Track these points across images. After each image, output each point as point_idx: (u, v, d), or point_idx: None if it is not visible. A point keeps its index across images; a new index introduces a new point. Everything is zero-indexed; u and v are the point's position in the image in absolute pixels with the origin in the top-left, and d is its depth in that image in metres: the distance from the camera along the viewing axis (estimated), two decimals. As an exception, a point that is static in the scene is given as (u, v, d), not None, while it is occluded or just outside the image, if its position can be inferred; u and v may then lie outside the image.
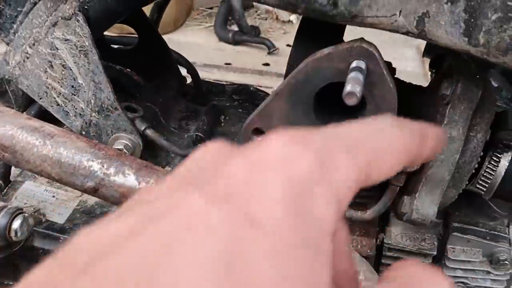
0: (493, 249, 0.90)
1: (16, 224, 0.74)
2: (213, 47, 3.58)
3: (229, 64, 3.39)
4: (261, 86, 3.53)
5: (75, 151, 0.74)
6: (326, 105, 0.70)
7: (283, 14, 3.94)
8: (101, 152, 0.74)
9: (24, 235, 0.76)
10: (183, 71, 1.22)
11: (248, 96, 1.23)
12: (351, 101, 0.54)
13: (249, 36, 3.58)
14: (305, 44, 0.73)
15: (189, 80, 1.26)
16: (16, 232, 0.74)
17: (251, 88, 1.25)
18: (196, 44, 3.57)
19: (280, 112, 0.68)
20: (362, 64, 0.61)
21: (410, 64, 3.17)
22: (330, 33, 0.72)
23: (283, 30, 3.85)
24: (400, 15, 0.56)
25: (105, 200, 0.76)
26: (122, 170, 0.73)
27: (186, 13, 3.90)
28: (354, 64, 0.61)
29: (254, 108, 1.20)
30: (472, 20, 0.53)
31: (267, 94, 1.27)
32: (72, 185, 0.74)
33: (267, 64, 3.39)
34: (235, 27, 3.69)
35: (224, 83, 1.28)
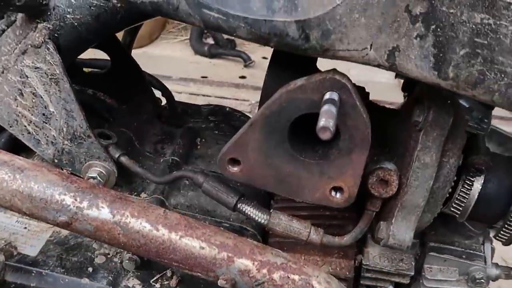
0: (469, 267, 0.91)
1: (-14, 261, 0.72)
2: (189, 61, 3.57)
3: (205, 77, 3.39)
4: (237, 99, 3.52)
5: (47, 184, 0.72)
6: (301, 133, 0.70)
7: (258, 26, 3.94)
8: (74, 185, 0.73)
9: (-5, 272, 0.74)
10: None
11: (224, 117, 1.22)
12: (325, 136, 0.55)
13: (225, 49, 3.58)
14: (279, 73, 0.73)
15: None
16: (-14, 270, 0.72)
17: (227, 109, 1.25)
18: (172, 58, 3.55)
19: (255, 142, 0.68)
20: (335, 96, 0.61)
21: (385, 75, 3.21)
22: (304, 61, 0.72)
23: (259, 42, 3.84)
24: (371, 48, 0.57)
25: (79, 234, 0.75)
26: (95, 203, 0.72)
27: (161, 26, 3.88)
28: (327, 96, 0.61)
29: (231, 129, 1.21)
30: (441, 54, 0.54)
31: (243, 115, 1.27)
32: (44, 220, 0.73)
33: (243, 77, 3.39)
34: (210, 40, 3.70)
35: (200, 104, 1.26)
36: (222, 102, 3.16)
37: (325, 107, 0.58)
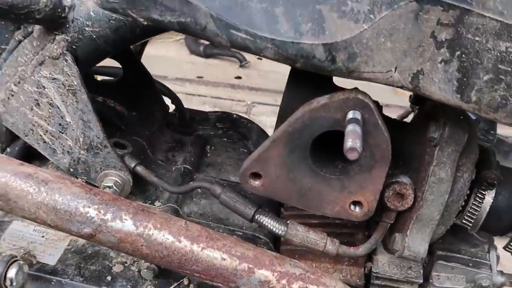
0: (476, 275, 0.94)
1: (11, 272, 0.73)
2: (184, 60, 3.57)
3: (201, 77, 3.40)
4: (233, 100, 3.52)
5: (71, 197, 0.73)
6: (321, 148, 0.72)
7: (253, 26, 3.96)
8: (97, 198, 0.74)
9: (19, 284, 0.75)
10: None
11: (232, 124, 1.24)
12: (352, 156, 0.57)
13: (220, 49, 3.59)
14: (298, 89, 0.75)
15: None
16: (11, 281, 0.73)
17: (234, 116, 1.26)
18: (167, 57, 3.56)
19: (277, 158, 0.70)
20: (358, 115, 0.63)
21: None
22: (322, 78, 0.74)
23: (254, 42, 3.86)
24: (395, 71, 0.59)
25: (102, 245, 0.76)
26: (119, 215, 0.73)
27: (156, 25, 3.87)
28: (350, 115, 0.63)
29: (239, 136, 1.23)
30: (465, 79, 0.56)
31: (249, 121, 1.29)
32: (68, 232, 0.74)
33: (239, 77, 3.41)
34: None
35: (207, 111, 1.28)
36: (218, 102, 3.18)
37: (350, 127, 0.60)
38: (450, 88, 0.57)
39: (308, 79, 0.75)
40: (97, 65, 1.19)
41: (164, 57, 3.63)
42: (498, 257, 0.97)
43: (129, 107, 1.12)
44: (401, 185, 0.74)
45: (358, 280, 0.94)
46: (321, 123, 0.66)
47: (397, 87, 0.61)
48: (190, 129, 1.19)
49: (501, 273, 0.96)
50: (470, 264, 0.94)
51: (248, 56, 3.57)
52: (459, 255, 0.94)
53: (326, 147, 0.72)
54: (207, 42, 3.68)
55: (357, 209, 0.72)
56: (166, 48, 3.81)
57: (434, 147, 0.73)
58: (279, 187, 0.73)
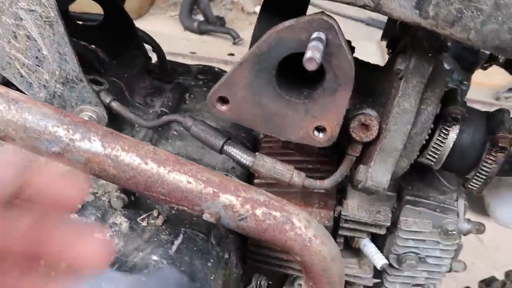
0: (442, 220, 0.95)
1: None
2: (178, 37, 3.58)
3: (194, 53, 3.40)
4: (225, 76, 3.49)
5: (40, 116, 0.74)
6: (289, 79, 0.73)
7: (248, 6, 3.97)
8: (67, 119, 0.75)
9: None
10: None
11: (213, 76, 1.25)
12: (311, 66, 0.58)
13: (214, 26, 3.60)
14: (269, 18, 0.75)
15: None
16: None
17: (216, 69, 1.27)
18: (161, 33, 3.55)
19: (243, 80, 0.71)
20: (322, 35, 0.64)
21: (372, 58, 3.26)
22: (293, 10, 0.75)
23: (248, 21, 3.88)
24: (358, -13, 0.60)
25: (69, 166, 0.77)
26: (87, 136, 0.75)
27: (150, 1, 3.87)
28: (314, 35, 0.64)
29: (219, 88, 1.24)
30: (423, -7, 0.57)
31: (231, 75, 1.30)
32: (36, 150, 0.75)
33: (232, 54, 3.41)
34: (200, 17, 3.70)
35: (190, 63, 1.29)
36: (210, 78, 3.18)
37: (312, 43, 0.61)
38: (409, 4, 0.58)
39: (280, 9, 0.76)
40: (80, 11, 1.20)
41: (158, 33, 3.61)
42: (466, 206, 0.98)
43: (110, 54, 1.13)
44: (366, 116, 0.75)
45: (327, 222, 0.95)
46: (287, 44, 0.67)
47: (359, 5, 0.62)
48: (170, 78, 1.20)
49: (468, 220, 0.98)
50: (438, 210, 0.96)
51: (242, 34, 3.57)
52: (427, 201, 0.96)
53: (293, 77, 0.73)
54: (201, 19, 3.68)
55: (321, 134, 0.73)
56: (160, 24, 3.80)
57: (400, 80, 0.74)
58: (245, 112, 0.74)
